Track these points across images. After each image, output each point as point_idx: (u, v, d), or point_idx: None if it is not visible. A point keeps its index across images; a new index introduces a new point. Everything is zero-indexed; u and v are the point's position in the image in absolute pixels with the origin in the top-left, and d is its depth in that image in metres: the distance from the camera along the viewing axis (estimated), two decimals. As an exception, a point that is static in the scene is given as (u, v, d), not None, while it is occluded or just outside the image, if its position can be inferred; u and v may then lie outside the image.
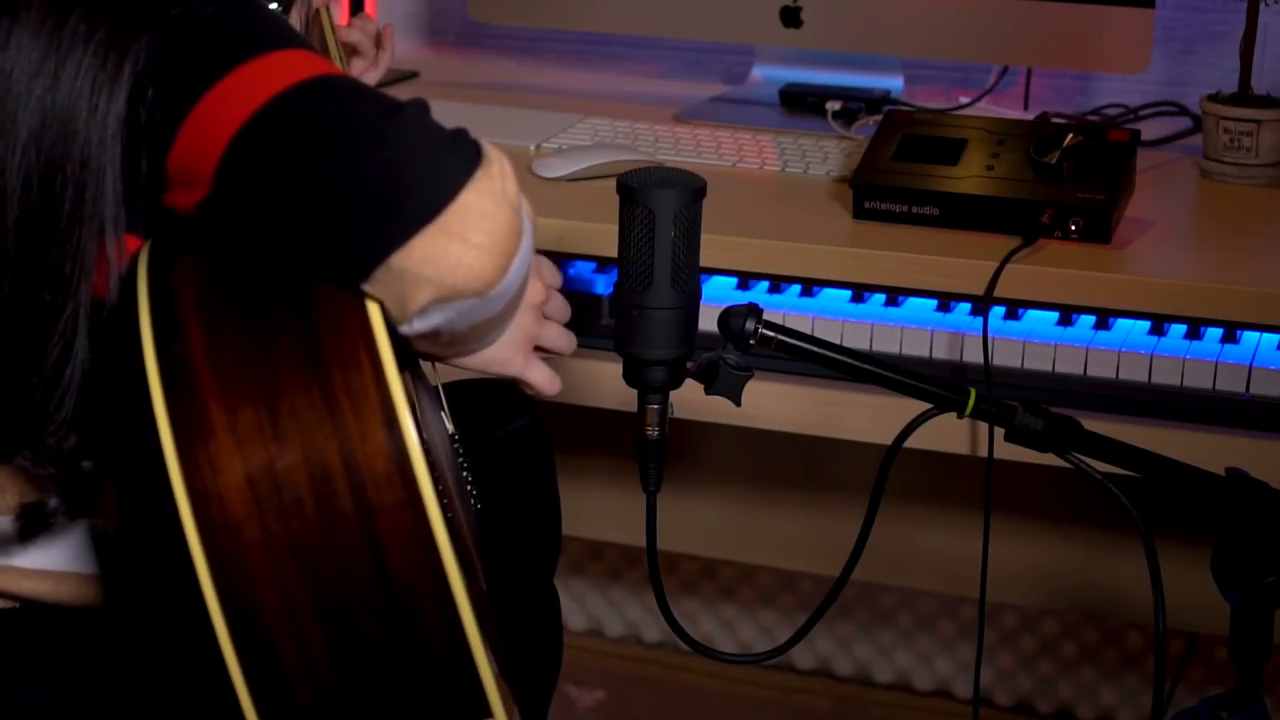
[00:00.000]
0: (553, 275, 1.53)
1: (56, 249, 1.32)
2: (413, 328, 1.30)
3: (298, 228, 1.28)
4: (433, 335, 1.32)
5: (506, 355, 1.44)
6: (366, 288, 1.28)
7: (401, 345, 1.32)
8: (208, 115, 1.29)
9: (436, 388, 1.65)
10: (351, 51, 1.99)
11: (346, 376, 1.26)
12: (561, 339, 1.54)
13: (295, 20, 1.67)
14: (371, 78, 1.97)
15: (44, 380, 1.34)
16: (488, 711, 1.29)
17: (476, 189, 1.26)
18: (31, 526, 1.41)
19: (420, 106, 1.29)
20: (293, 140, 1.27)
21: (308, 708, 1.26)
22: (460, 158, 1.27)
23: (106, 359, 1.34)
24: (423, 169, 1.25)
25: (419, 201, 1.25)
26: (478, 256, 1.26)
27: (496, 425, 1.84)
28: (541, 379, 1.50)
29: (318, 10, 1.77)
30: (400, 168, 1.25)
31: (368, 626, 1.25)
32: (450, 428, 1.63)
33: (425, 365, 1.56)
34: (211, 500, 1.23)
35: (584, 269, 2.01)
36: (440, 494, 1.27)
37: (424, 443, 1.27)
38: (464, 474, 1.61)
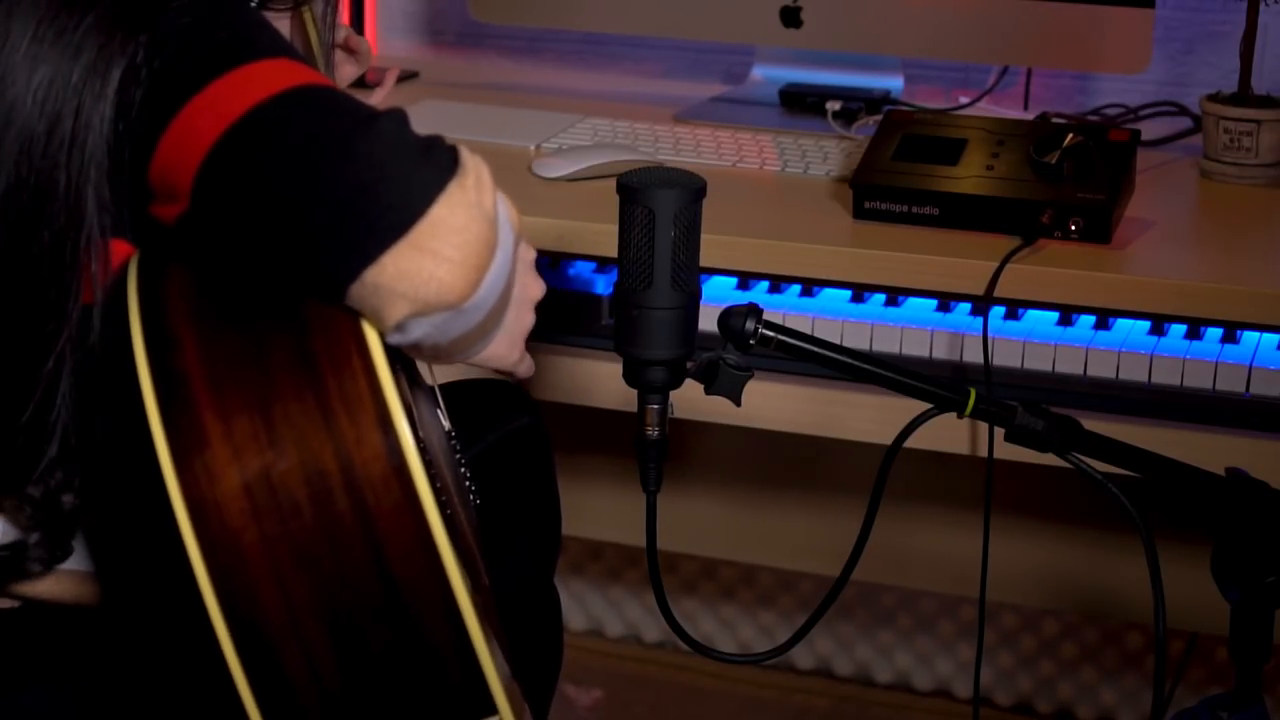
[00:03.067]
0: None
1: (45, 267, 1.33)
2: (393, 339, 1.30)
3: (271, 243, 1.28)
4: (414, 347, 1.32)
5: (505, 350, 1.44)
6: (345, 303, 1.28)
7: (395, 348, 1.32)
8: (186, 127, 1.29)
9: (433, 387, 1.65)
10: (348, 51, 1.99)
11: (340, 381, 1.26)
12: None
13: (284, 26, 1.66)
14: (350, 73, 1.96)
15: (36, 409, 1.34)
16: (493, 710, 1.29)
17: (448, 202, 1.25)
18: (8, 572, 1.41)
19: (397, 118, 1.28)
20: (265, 155, 1.27)
21: (313, 712, 1.26)
22: (433, 170, 1.26)
23: (98, 372, 1.34)
24: (394, 184, 1.24)
25: (390, 217, 1.24)
26: (450, 270, 1.25)
27: (496, 424, 1.84)
28: (527, 369, 1.50)
29: (301, 12, 1.76)
30: (371, 183, 1.24)
31: (370, 629, 1.25)
32: (447, 425, 1.63)
33: (421, 365, 1.56)
34: (209, 509, 1.23)
35: (584, 269, 2.01)
36: (438, 493, 1.27)
37: (420, 443, 1.27)
38: (462, 470, 1.61)
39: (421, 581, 1.25)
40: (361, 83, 1.92)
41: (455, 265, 1.26)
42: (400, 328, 1.28)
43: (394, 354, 1.31)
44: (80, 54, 1.32)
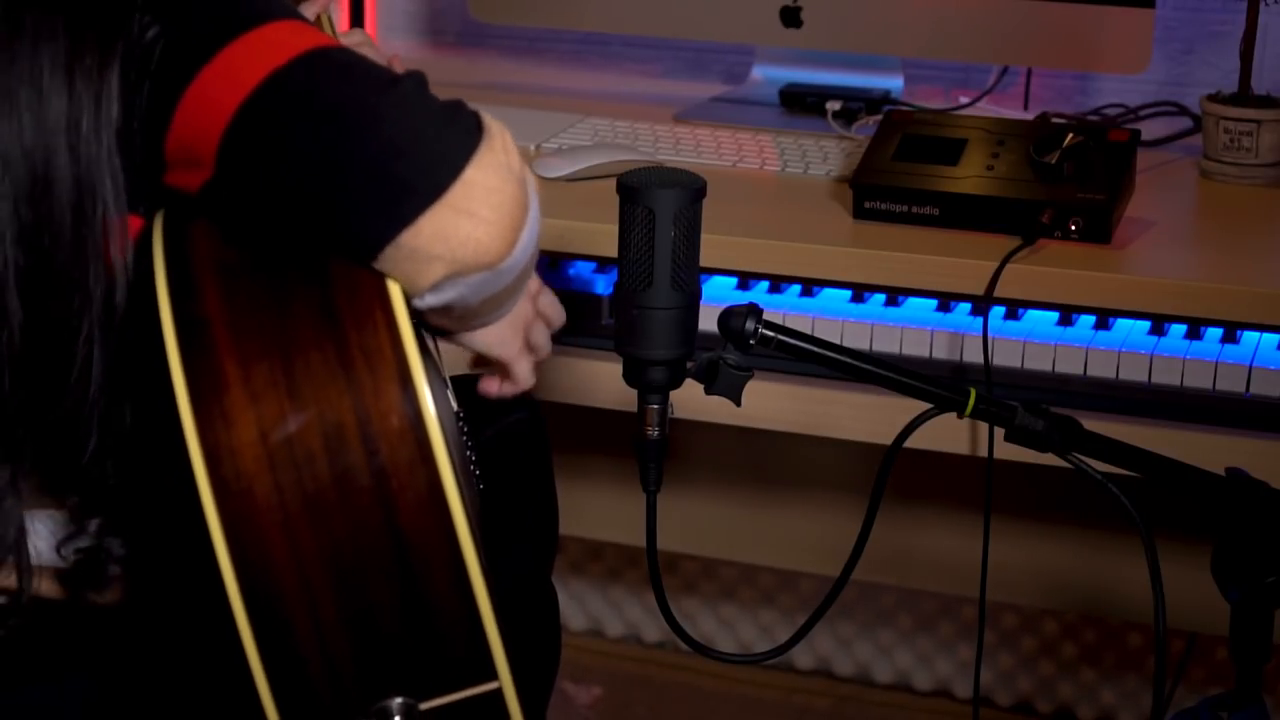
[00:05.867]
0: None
1: (68, 267, 1.32)
2: (425, 302, 1.30)
3: (303, 209, 1.28)
4: (445, 309, 1.32)
5: (509, 335, 1.44)
6: (377, 266, 1.28)
7: (413, 320, 1.32)
8: (204, 94, 1.28)
9: (439, 370, 1.65)
10: None
11: (361, 334, 1.26)
12: (545, 340, 1.54)
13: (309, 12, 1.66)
14: None
15: (73, 401, 1.33)
16: (494, 675, 1.29)
17: (481, 163, 1.26)
18: (90, 575, 1.40)
19: (418, 80, 1.28)
20: (292, 120, 1.26)
21: (315, 666, 1.26)
22: (462, 132, 1.27)
23: (127, 321, 1.33)
24: (426, 146, 1.25)
25: (425, 179, 1.25)
26: (487, 231, 1.26)
27: (494, 418, 1.84)
28: (525, 372, 1.50)
29: (318, 15, 1.76)
30: (403, 146, 1.25)
31: (377, 583, 1.25)
32: (455, 406, 1.63)
33: (430, 350, 1.56)
34: (224, 454, 1.23)
35: (584, 269, 2.01)
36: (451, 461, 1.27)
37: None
38: (469, 454, 1.61)
39: (431, 538, 1.25)
40: None
41: (492, 225, 1.26)
42: (435, 289, 1.28)
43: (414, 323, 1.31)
44: (79, 62, 1.30)
